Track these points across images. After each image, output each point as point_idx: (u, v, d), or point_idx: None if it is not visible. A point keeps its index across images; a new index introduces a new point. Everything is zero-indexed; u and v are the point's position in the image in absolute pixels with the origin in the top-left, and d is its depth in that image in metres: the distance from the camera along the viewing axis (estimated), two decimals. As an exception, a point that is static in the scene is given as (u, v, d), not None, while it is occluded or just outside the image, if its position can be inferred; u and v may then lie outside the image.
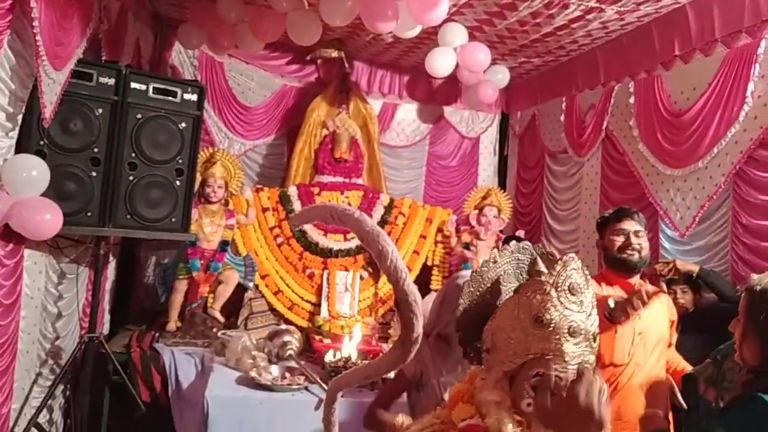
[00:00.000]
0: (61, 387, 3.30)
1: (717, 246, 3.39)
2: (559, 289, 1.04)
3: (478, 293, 1.16)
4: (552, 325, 1.01)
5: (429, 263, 4.86)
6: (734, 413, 1.63)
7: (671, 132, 3.67)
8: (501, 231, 4.93)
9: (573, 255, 1.09)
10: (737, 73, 3.21)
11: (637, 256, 2.43)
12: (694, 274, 3.13)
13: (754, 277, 1.73)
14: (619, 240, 2.45)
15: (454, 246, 4.81)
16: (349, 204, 4.74)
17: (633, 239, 2.44)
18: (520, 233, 5.10)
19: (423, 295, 4.28)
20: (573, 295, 1.04)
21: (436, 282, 4.80)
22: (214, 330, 4.00)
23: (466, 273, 1.95)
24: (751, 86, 3.13)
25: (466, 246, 4.75)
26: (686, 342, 2.87)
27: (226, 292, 4.20)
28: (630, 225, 2.47)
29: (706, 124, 3.36)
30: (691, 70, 3.58)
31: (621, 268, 2.46)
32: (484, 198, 4.93)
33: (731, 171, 3.21)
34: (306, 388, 3.30)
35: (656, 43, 3.81)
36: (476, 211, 4.86)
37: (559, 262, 1.07)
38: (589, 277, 1.10)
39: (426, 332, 2.21)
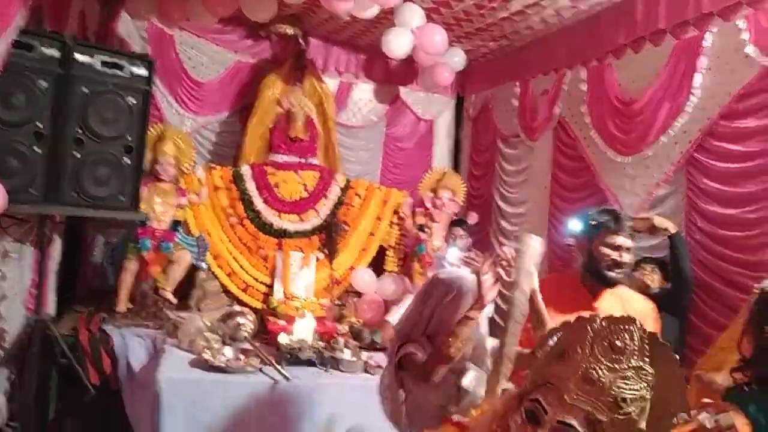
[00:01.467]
0: (5, 371, 3.18)
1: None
2: (599, 336, 1.01)
3: None
4: (573, 361, 1.01)
5: (384, 245, 4.88)
6: None
7: (621, 120, 3.78)
8: (455, 213, 5.00)
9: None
10: (685, 65, 3.33)
11: (623, 274, 2.31)
12: (671, 233, 3.05)
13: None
14: (613, 254, 2.26)
15: (409, 228, 4.84)
16: (305, 185, 4.71)
17: (624, 256, 2.27)
18: (472, 216, 5.19)
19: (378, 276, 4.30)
20: (614, 353, 1.00)
21: (391, 263, 4.84)
22: (166, 312, 3.92)
23: (450, 270, 1.99)
24: (698, 78, 3.25)
25: (421, 228, 4.79)
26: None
27: (177, 273, 4.11)
28: (625, 241, 2.28)
29: (655, 113, 3.48)
30: (641, 59, 3.68)
31: (601, 283, 2.31)
32: (439, 180, 4.98)
33: (679, 159, 3.34)
34: (261, 370, 3.28)
35: (607, 32, 3.90)
36: (431, 194, 4.91)
37: (625, 321, 1.03)
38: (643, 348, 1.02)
39: (411, 333, 2.21)
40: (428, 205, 4.90)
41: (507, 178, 5.17)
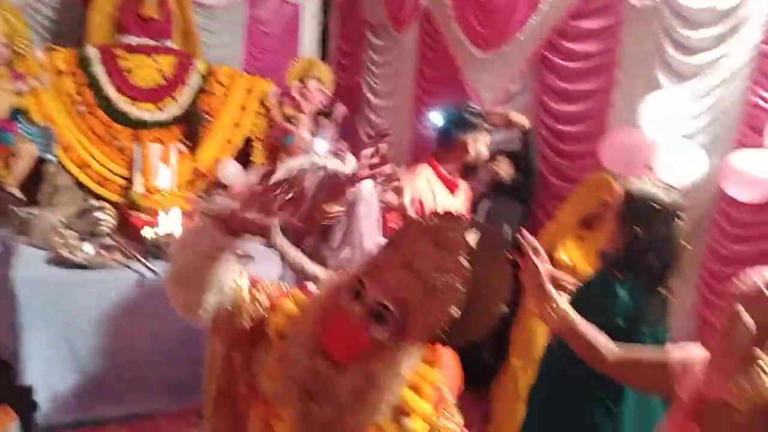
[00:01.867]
0: None
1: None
2: (428, 229, 1.08)
3: None
4: (399, 248, 1.09)
5: (251, 136, 4.78)
6: None
7: (482, 14, 3.89)
8: (324, 104, 4.96)
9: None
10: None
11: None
12: (526, 128, 3.30)
13: (634, 181, 2.05)
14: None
15: (277, 119, 4.76)
16: (161, 71, 4.39)
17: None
18: (341, 108, 5.19)
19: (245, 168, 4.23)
20: (436, 246, 1.06)
21: (258, 155, 4.77)
22: (12, 208, 3.62)
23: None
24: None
25: (289, 119, 4.73)
26: (503, 209, 3.32)
27: (21, 166, 3.76)
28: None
29: (512, 9, 3.62)
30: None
31: (464, 174, 2.65)
32: (307, 70, 4.86)
33: (532, 57, 3.56)
34: (126, 266, 3.21)
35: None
36: (299, 83, 4.81)
37: (456, 220, 1.09)
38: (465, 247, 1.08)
39: None
40: (296, 95, 4.80)
41: (375, 69, 5.18)
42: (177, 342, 3.06)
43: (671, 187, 2.09)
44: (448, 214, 1.07)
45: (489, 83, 3.88)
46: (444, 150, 2.64)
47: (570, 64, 3.43)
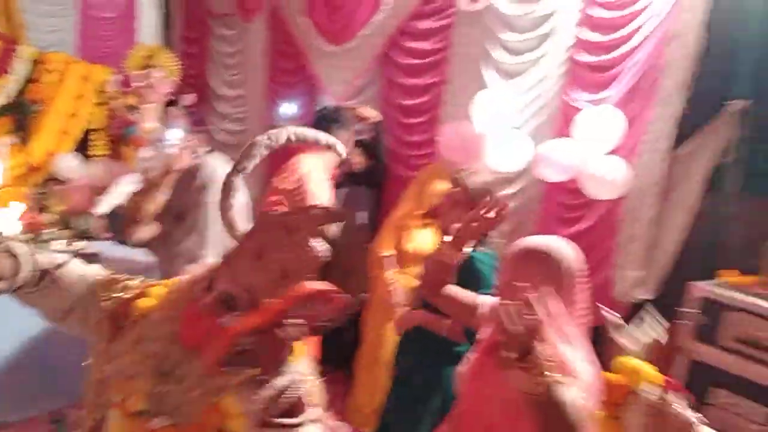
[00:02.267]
0: None
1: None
2: None
3: None
4: None
5: (90, 127, 4.50)
6: None
7: (329, 9, 4.03)
8: (171, 93, 4.80)
9: None
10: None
11: None
12: (375, 121, 3.58)
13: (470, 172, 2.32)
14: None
15: (117, 109, 4.53)
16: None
17: None
18: (189, 96, 5.05)
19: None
20: None
21: (98, 147, 4.51)
22: None
23: None
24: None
25: (132, 109, 4.52)
26: (357, 196, 3.57)
27: None
28: None
29: (358, 7, 3.81)
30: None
31: None
32: (149, 57, 4.66)
33: (376, 53, 3.78)
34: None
35: None
36: (141, 72, 4.60)
37: None
38: None
39: None
40: (138, 83, 4.59)
41: (223, 59, 5.10)
42: (22, 350, 2.87)
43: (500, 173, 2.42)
44: (308, 207, 1.11)
45: (338, 76, 4.03)
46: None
47: (409, 61, 3.69)
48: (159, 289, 1.18)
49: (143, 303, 1.16)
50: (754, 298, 2.27)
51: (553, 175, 3.09)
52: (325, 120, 2.94)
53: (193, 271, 1.17)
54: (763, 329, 2.19)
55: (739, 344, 2.24)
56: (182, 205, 2.41)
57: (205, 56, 5.25)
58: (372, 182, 3.70)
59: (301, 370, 1.05)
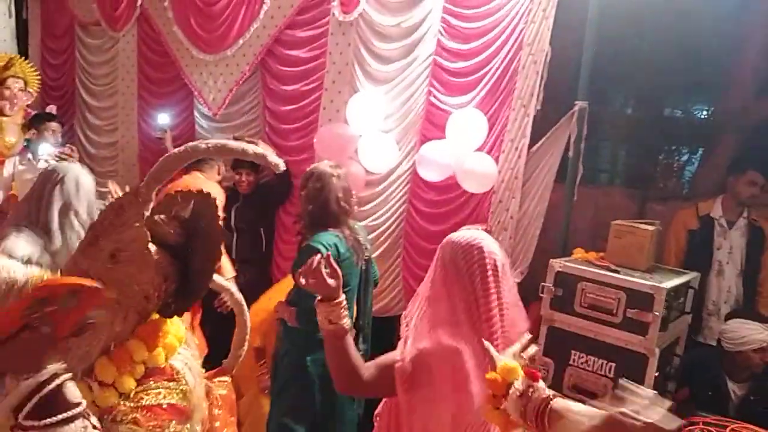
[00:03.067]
0: None
1: (250, 124, 4.07)
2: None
3: None
4: None
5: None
6: None
7: (203, 19, 4.04)
8: (29, 106, 4.54)
9: None
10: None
11: None
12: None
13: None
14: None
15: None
16: None
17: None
18: (52, 108, 4.80)
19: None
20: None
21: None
22: None
23: None
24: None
25: (-9, 123, 4.23)
26: (247, 213, 3.70)
27: None
28: None
29: (234, 16, 3.86)
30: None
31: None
32: (6, 68, 4.38)
33: (253, 62, 3.84)
34: None
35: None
36: (-3, 83, 4.32)
37: None
38: None
39: None
40: (-5, 96, 4.30)
41: (90, 69, 4.90)
42: None
43: (336, 165, 2.65)
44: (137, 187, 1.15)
45: (214, 86, 4.04)
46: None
47: (286, 69, 3.80)
48: None
49: None
50: (598, 270, 2.62)
51: (433, 175, 3.33)
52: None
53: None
54: (606, 296, 2.53)
55: (589, 310, 2.58)
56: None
57: (71, 66, 5.01)
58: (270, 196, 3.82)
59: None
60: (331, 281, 1.49)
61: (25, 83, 4.43)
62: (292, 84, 3.78)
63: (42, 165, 3.57)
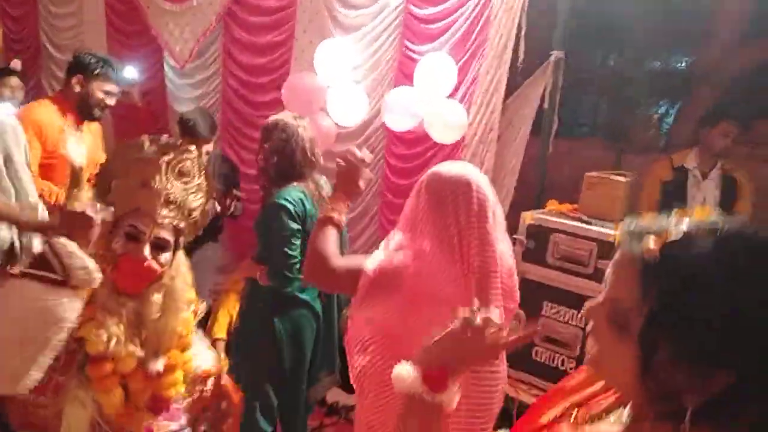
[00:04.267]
0: None
1: (211, 78, 3.94)
2: (170, 166, 1.25)
3: None
4: (153, 190, 1.24)
5: None
6: None
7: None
8: (-8, 60, 4.38)
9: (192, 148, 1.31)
10: None
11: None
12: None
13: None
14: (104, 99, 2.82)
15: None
16: None
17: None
18: (16, 64, 4.62)
19: None
20: (181, 176, 1.27)
21: None
22: None
23: None
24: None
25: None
26: None
27: None
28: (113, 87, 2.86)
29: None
30: None
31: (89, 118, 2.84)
32: (-36, 21, 4.21)
33: (221, 12, 3.70)
34: None
35: None
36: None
37: (185, 149, 1.29)
38: (201, 167, 1.32)
39: None
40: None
41: (54, 21, 4.71)
42: None
43: (299, 116, 2.57)
44: (173, 145, 1.29)
45: (180, 37, 3.89)
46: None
47: (255, 18, 3.66)
48: None
49: None
50: (571, 221, 2.61)
51: (400, 123, 3.24)
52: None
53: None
54: (579, 247, 2.53)
55: (562, 261, 2.57)
56: None
57: (35, 18, 4.81)
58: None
59: None
60: (361, 183, 1.65)
61: (-14, 37, 4.27)
62: (261, 35, 3.65)
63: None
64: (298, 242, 2.33)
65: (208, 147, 3.16)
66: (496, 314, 0.99)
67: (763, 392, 0.70)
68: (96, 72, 2.78)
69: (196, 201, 1.29)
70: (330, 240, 1.59)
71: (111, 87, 2.85)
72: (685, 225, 0.76)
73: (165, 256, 1.26)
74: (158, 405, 1.29)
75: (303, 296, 2.48)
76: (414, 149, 3.35)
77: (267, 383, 2.53)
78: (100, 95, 2.80)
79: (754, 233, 0.74)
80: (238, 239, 3.72)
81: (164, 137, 1.31)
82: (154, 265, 1.23)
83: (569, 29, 3.14)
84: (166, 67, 4.13)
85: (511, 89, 3.20)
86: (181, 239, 1.30)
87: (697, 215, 0.78)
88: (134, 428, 1.27)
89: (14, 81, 4.00)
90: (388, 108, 3.22)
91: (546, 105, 3.13)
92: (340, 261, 1.58)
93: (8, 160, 2.23)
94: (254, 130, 3.60)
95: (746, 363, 0.69)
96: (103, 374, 1.20)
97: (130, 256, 1.21)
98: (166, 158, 1.25)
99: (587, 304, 0.85)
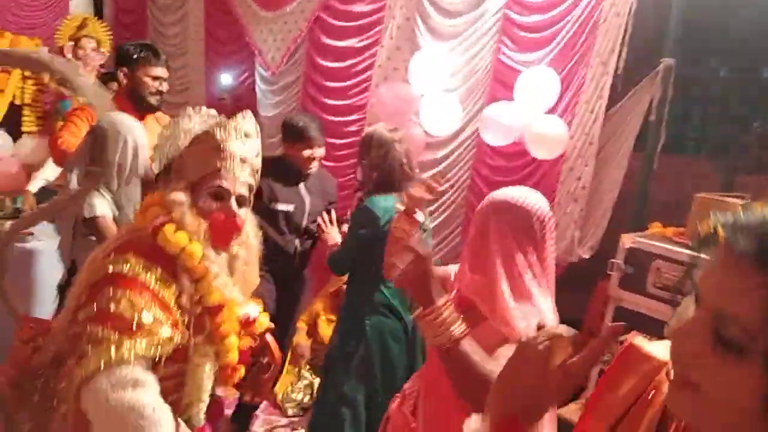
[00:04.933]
0: None
1: (292, 85, 3.95)
2: (237, 129, 1.38)
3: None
4: (228, 152, 1.36)
5: (18, 102, 4.31)
6: None
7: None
8: (102, 65, 4.63)
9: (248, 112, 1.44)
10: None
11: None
12: None
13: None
14: (154, 85, 2.72)
15: (48, 82, 4.33)
16: None
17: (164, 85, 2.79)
18: (123, 69, 4.88)
19: (15, 139, 3.87)
20: (247, 137, 1.39)
21: (28, 123, 4.34)
22: None
23: None
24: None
25: (63, 82, 4.33)
26: None
27: None
28: (163, 72, 2.79)
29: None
30: None
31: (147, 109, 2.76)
32: (80, 28, 4.47)
33: (311, 17, 3.71)
34: None
35: None
36: (72, 43, 4.42)
37: (245, 113, 1.43)
38: (257, 128, 1.44)
39: None
40: (69, 56, 4.41)
41: (162, 29, 4.94)
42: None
43: (394, 129, 2.49)
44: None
45: (273, 44, 3.95)
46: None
47: (341, 24, 3.64)
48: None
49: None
50: (676, 248, 2.37)
51: (498, 139, 3.11)
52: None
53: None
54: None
55: (662, 291, 2.33)
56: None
57: (143, 26, 5.07)
58: None
59: None
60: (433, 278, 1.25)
61: (98, 43, 4.52)
62: (345, 39, 3.61)
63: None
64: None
65: (321, 152, 2.83)
66: (563, 329, 0.80)
67: None
68: (136, 58, 2.72)
69: (259, 160, 1.43)
70: (474, 359, 1.20)
71: (158, 71, 2.78)
72: None
73: (243, 212, 1.38)
74: (243, 355, 1.42)
75: (395, 304, 2.44)
76: (511, 162, 3.20)
77: (359, 395, 2.44)
78: (148, 81, 2.73)
79: None
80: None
81: (205, 109, 1.45)
82: (238, 219, 1.36)
83: (677, 36, 2.89)
84: (257, 75, 4.20)
85: (612, 100, 2.99)
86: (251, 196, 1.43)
87: None
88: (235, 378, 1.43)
89: (115, 86, 4.17)
90: (487, 123, 3.09)
91: (653, 117, 2.89)
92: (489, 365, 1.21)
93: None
94: (331, 137, 3.57)
95: None
96: (224, 320, 1.34)
97: (222, 213, 1.33)
98: (234, 123, 1.38)
99: (671, 325, 0.68)
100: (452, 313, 1.23)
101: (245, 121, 1.40)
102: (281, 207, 2.79)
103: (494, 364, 1.19)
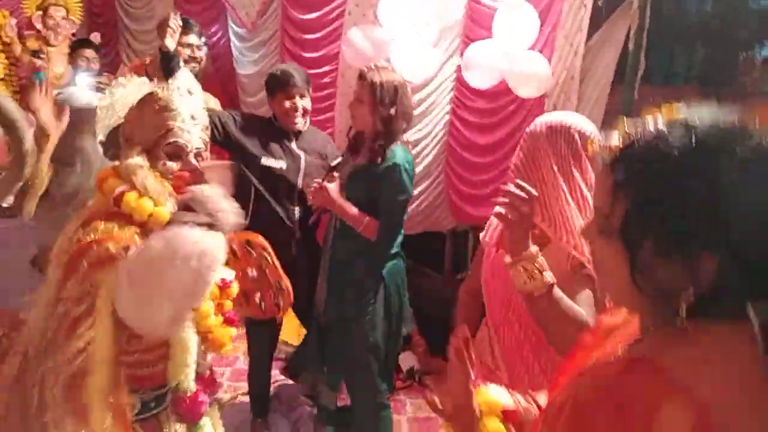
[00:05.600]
0: None
1: (271, 39, 3.84)
2: (179, 88, 1.40)
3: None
4: (177, 110, 1.38)
5: (-10, 76, 4.23)
6: None
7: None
8: (73, 34, 4.53)
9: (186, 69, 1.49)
10: None
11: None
12: None
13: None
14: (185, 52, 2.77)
15: (20, 54, 4.25)
16: None
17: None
18: (96, 36, 4.78)
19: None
20: (190, 94, 1.42)
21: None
22: None
23: None
24: None
25: (35, 54, 4.25)
26: None
27: None
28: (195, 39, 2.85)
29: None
30: None
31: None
32: (48, -3, 4.36)
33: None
34: None
35: None
36: (40, 13, 4.31)
37: (185, 71, 1.49)
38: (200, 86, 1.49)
39: None
40: (39, 26, 4.31)
41: (128, -8, 4.81)
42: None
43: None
44: None
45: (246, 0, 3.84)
46: None
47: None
48: None
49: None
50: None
51: (482, 80, 3.05)
52: None
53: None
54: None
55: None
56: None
57: (111, -9, 4.93)
58: None
59: None
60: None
61: (67, 11, 4.41)
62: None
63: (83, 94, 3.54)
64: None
65: (305, 102, 2.62)
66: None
67: (750, 274, 0.68)
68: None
69: (206, 115, 1.46)
70: (567, 305, 1.28)
71: (189, 38, 2.81)
72: (650, 122, 0.76)
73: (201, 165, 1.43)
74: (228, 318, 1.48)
75: (401, 251, 2.45)
76: (494, 103, 3.16)
77: (382, 342, 2.37)
78: (180, 49, 2.69)
79: (711, 119, 0.74)
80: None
81: (137, 77, 1.48)
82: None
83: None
84: (230, 32, 4.11)
85: (590, 32, 2.94)
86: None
87: (666, 113, 0.76)
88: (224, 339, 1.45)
89: (89, 52, 4.03)
90: (469, 65, 3.03)
91: (630, 46, 2.85)
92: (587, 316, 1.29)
93: None
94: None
95: (727, 243, 0.68)
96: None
97: (186, 170, 1.36)
98: (176, 83, 1.40)
99: (583, 225, 0.86)
100: (543, 259, 1.27)
101: (185, 78, 1.44)
102: (272, 163, 2.56)
103: (581, 308, 1.28)
